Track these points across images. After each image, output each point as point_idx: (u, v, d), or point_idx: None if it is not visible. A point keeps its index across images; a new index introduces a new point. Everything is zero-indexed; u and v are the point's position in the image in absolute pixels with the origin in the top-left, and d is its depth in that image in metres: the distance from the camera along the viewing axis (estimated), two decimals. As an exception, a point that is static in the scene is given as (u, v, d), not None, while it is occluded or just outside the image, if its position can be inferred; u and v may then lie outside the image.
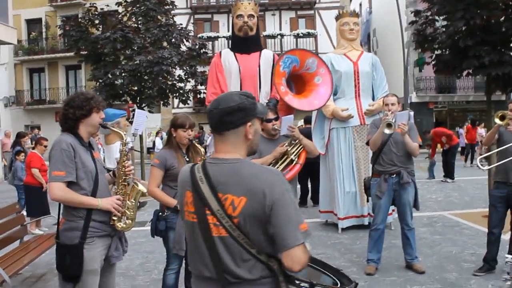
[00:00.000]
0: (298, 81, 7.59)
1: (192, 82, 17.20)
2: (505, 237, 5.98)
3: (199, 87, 17.65)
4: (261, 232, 2.05)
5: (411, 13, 9.44)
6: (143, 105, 15.24)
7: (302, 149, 5.41)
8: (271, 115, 5.23)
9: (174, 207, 4.27)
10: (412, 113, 5.89)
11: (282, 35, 28.91)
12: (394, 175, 5.80)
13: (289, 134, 5.34)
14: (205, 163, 2.18)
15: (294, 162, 5.34)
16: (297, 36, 29.61)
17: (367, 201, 6.51)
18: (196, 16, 30.97)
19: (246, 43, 7.87)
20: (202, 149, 4.36)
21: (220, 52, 8.12)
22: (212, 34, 29.77)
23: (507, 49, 8.19)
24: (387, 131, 5.51)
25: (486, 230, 7.69)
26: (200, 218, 2.11)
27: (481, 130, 21.67)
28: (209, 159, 2.20)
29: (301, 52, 7.85)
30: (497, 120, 5.49)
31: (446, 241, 7.30)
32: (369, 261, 5.96)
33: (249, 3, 7.87)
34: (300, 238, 2.01)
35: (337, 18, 8.90)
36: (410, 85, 27.43)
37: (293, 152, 5.34)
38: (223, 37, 29.14)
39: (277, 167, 5.21)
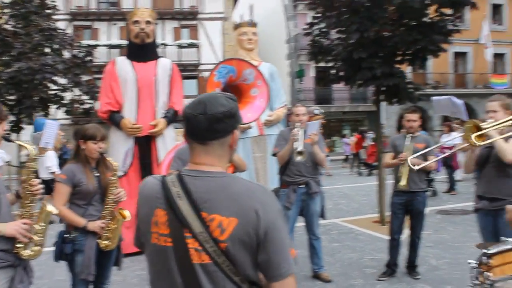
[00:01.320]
0: (234, 93, 7.45)
1: (76, 91, 16.30)
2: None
3: (83, 97, 16.77)
4: (250, 258, 1.77)
5: (295, 27, 9.67)
6: (22, 116, 14.15)
7: (229, 164, 5.26)
8: None
9: (83, 228, 3.90)
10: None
11: (165, 45, 28.48)
12: (303, 185, 5.81)
13: None
14: (182, 176, 1.84)
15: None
16: (180, 46, 29.33)
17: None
18: (75, 23, 29.57)
19: (142, 50, 7.57)
20: (115, 163, 4.03)
21: (115, 60, 7.72)
22: (92, 42, 28.59)
23: (395, 62, 8.63)
24: (299, 158, 5.51)
25: (379, 235, 8.07)
26: (176, 242, 1.77)
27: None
28: (187, 171, 1.86)
29: (238, 62, 7.70)
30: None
31: (345, 248, 7.47)
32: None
33: (146, 9, 7.58)
34: (292, 266, 1.79)
35: (235, 28, 8.85)
36: (291, 96, 28.38)
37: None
38: (104, 45, 28.08)
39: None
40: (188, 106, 1.85)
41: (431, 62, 31.67)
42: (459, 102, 10.17)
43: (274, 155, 6.02)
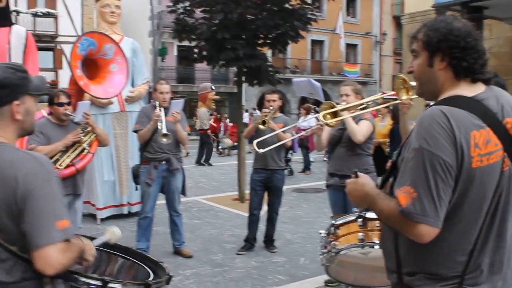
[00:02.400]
0: (90, 66, 7.08)
1: None
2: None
3: None
4: (16, 228, 1.79)
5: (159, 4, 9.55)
6: None
7: (94, 138, 5.11)
8: (63, 99, 4.84)
9: None
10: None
11: (18, 12, 26.36)
12: (164, 162, 5.80)
13: (83, 121, 5.05)
14: None
15: (86, 151, 5.01)
16: (35, 15, 27.34)
17: (136, 189, 6.38)
18: None
19: (-7, 15, 6.97)
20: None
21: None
22: None
23: (257, 45, 8.87)
24: (164, 140, 5.48)
25: (238, 212, 8.32)
26: None
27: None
28: None
29: (99, 36, 7.34)
30: (261, 126, 5.85)
31: (206, 225, 7.61)
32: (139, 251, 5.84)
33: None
34: (55, 236, 1.79)
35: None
36: (152, 74, 27.87)
37: (86, 141, 5.00)
38: None
39: (68, 156, 4.82)
40: None
41: (290, 48, 32.90)
42: (317, 84, 10.77)
43: (135, 131, 5.93)
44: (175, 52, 30.02)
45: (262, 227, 6.44)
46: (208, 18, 8.51)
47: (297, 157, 14.53)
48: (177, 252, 6.05)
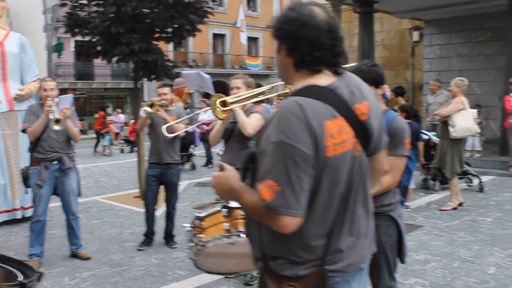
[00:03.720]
0: None
1: None
2: (158, 212, 6.47)
3: None
4: None
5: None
6: None
7: None
8: None
9: None
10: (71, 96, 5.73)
11: None
12: (55, 162, 5.57)
13: None
14: None
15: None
16: None
17: (26, 192, 6.08)
18: None
19: None
20: None
21: None
22: None
23: (153, 39, 8.72)
24: (57, 128, 5.28)
25: (139, 209, 8.18)
26: None
27: (121, 116, 22.75)
28: None
29: None
30: (147, 108, 5.90)
31: (105, 225, 7.41)
32: (32, 256, 5.57)
33: None
34: None
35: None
36: (47, 71, 26.60)
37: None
38: None
39: None
40: None
41: (192, 42, 32.75)
42: (206, 76, 10.73)
43: (23, 131, 5.64)
44: (72, 48, 28.80)
45: (163, 222, 6.39)
46: (101, 12, 8.23)
47: (199, 151, 14.50)
48: (74, 255, 5.85)
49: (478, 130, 8.17)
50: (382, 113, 2.12)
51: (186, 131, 10.93)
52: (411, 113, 7.92)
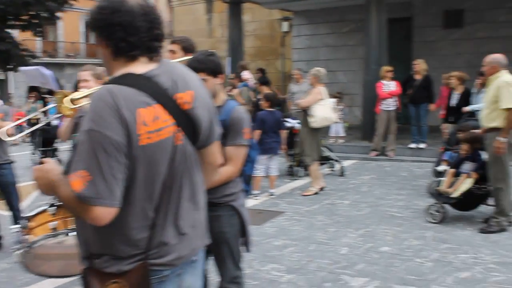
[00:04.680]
0: None
1: None
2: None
3: None
4: None
5: None
6: None
7: None
8: None
9: None
10: None
11: None
12: None
13: None
14: None
15: None
16: None
17: None
18: None
19: None
20: None
21: None
22: None
23: (6, 26, 8.16)
24: None
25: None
26: None
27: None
28: None
29: None
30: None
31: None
32: None
33: None
34: None
35: None
36: None
37: None
38: None
39: None
40: None
41: (62, 31, 31.20)
42: (48, 72, 10.28)
43: None
44: None
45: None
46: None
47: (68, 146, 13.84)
48: None
49: (336, 119, 8.55)
50: (212, 103, 2.09)
51: (49, 125, 10.53)
52: (275, 102, 8.13)
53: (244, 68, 12.49)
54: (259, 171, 7.83)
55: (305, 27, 17.37)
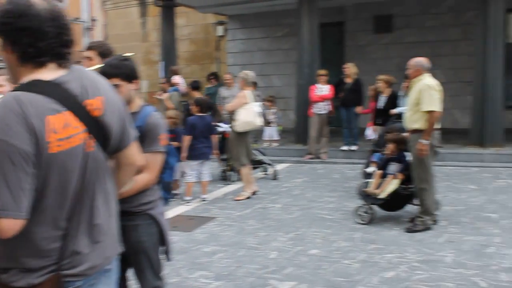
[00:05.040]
0: None
1: None
2: None
3: None
4: None
5: None
6: None
7: None
8: None
9: None
10: None
11: None
12: None
13: None
14: None
15: None
16: None
17: None
18: None
19: None
20: None
21: None
22: None
23: None
24: None
25: None
26: None
27: None
28: None
29: None
30: None
31: None
32: None
33: None
34: None
35: None
36: None
37: None
38: None
39: None
40: None
41: None
42: None
43: None
44: None
45: None
46: None
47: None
48: None
49: (260, 123, 8.22)
50: (124, 108, 2.04)
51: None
52: (205, 107, 8.04)
53: (175, 72, 12.36)
54: (191, 176, 7.75)
55: (240, 31, 17.39)
